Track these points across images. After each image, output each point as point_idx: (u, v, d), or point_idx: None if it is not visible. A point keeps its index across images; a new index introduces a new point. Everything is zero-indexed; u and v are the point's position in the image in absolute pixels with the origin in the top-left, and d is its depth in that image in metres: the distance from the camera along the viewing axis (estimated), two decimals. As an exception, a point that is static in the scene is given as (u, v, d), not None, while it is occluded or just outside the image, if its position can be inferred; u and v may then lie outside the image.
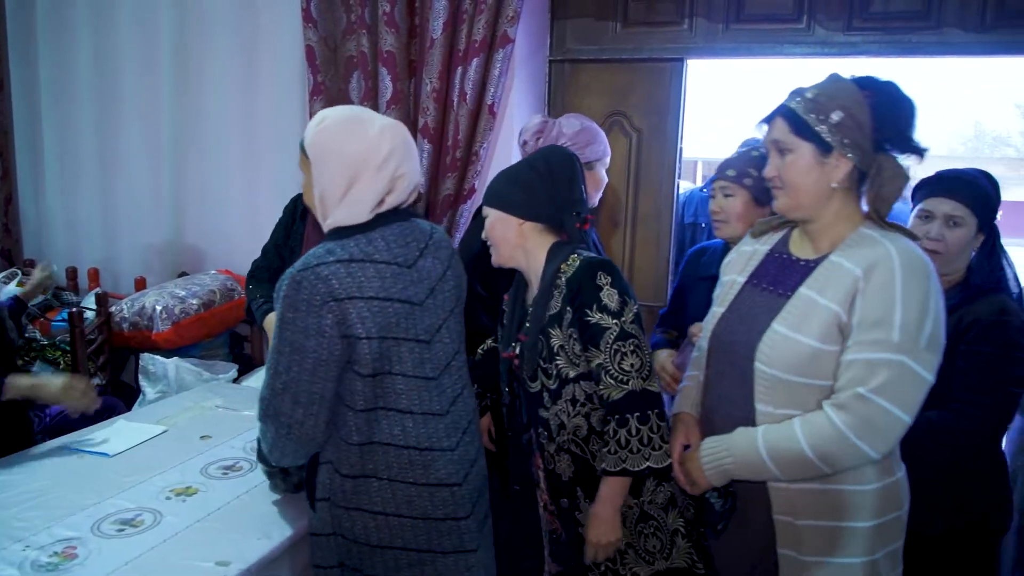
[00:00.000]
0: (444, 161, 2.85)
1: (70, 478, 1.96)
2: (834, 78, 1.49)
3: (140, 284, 3.51)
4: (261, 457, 1.73)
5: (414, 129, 2.88)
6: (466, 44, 2.75)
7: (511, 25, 2.70)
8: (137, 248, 3.72)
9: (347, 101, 3.01)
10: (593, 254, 1.75)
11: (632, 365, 1.62)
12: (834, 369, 1.44)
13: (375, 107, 2.90)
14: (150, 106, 3.57)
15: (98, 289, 3.40)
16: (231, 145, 3.46)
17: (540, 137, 2.32)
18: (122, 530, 1.71)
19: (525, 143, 2.38)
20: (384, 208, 1.52)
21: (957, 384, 1.85)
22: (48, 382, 2.16)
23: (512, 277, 2.29)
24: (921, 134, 1.47)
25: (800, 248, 1.58)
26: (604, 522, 1.67)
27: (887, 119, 1.44)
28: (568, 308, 1.68)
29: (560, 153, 1.84)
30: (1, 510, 1.77)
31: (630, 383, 1.61)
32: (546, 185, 1.75)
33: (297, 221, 2.40)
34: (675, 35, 3.02)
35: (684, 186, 3.63)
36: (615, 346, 1.62)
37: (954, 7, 2.68)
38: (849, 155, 1.44)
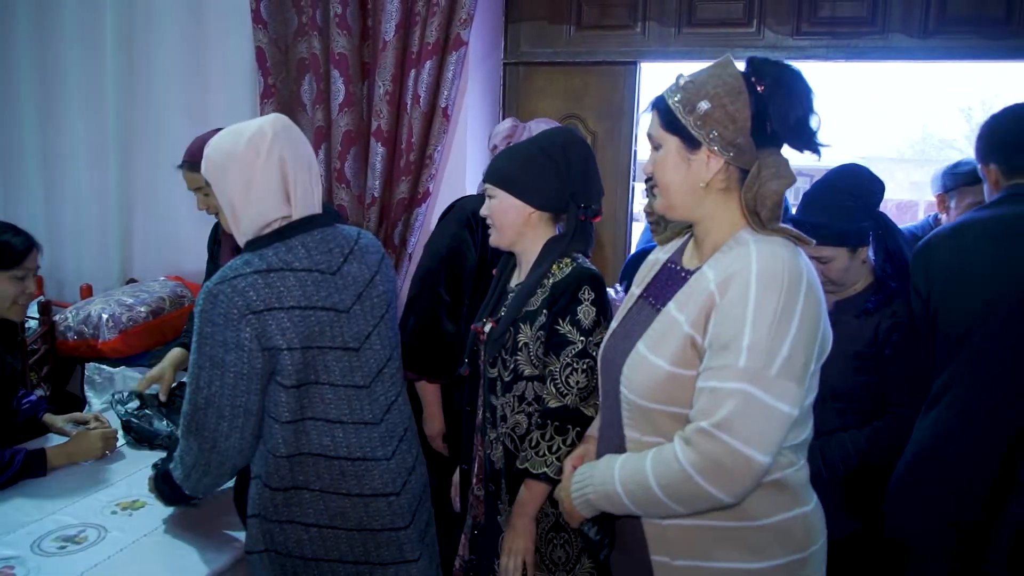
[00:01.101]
0: (398, 165, 2.82)
1: (10, 493, 1.88)
2: (720, 63, 1.31)
3: (86, 292, 3.40)
4: (169, 490, 1.70)
5: (367, 132, 2.85)
6: (419, 46, 2.73)
7: (464, 28, 2.68)
8: (82, 255, 3.60)
9: (299, 104, 2.96)
10: (587, 263, 1.74)
11: (577, 383, 1.62)
12: (692, 396, 1.25)
13: (327, 110, 2.87)
14: (96, 107, 3.46)
15: (41, 297, 3.28)
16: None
17: (510, 141, 2.29)
18: (64, 547, 1.66)
19: (495, 147, 2.35)
20: (298, 210, 1.49)
21: (891, 389, 1.88)
22: (84, 445, 2.08)
23: (479, 279, 2.26)
24: (824, 128, 1.29)
25: (690, 257, 1.42)
26: (513, 528, 1.66)
27: (772, 111, 1.26)
28: (545, 311, 1.67)
29: (576, 141, 1.77)
30: (-66, 529, 1.70)
31: (567, 398, 1.62)
32: (560, 173, 1.70)
33: (216, 246, 2.41)
34: (628, 38, 3.04)
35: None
36: (571, 361, 1.62)
37: (898, 14, 2.75)
38: (717, 150, 1.27)
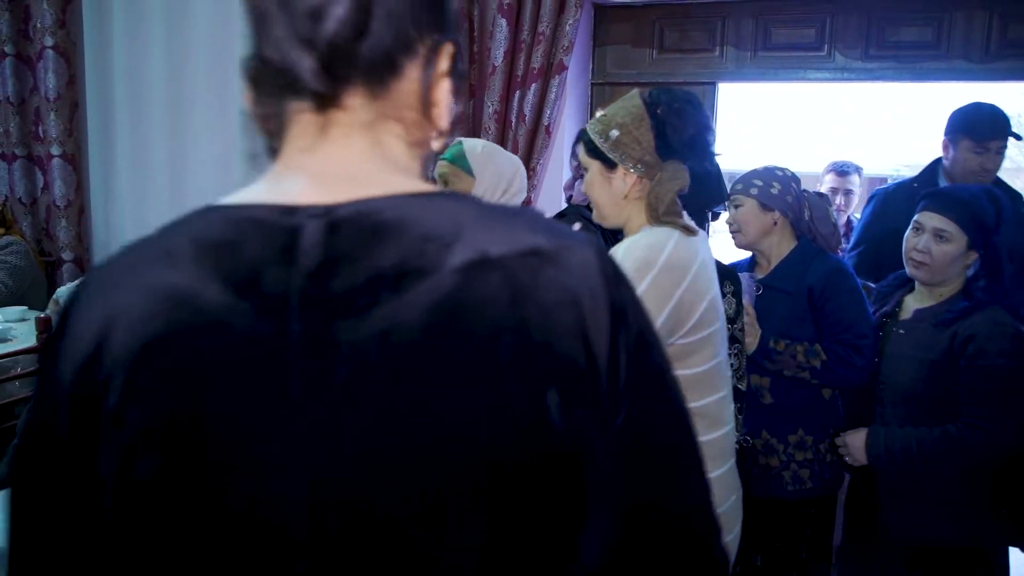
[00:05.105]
0: (503, 176, 3.14)
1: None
2: (627, 96, 1.58)
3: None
4: None
5: (474, 147, 3.18)
6: (524, 70, 3.05)
7: (567, 54, 3.00)
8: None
9: (410, 121, 3.29)
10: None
11: (731, 365, 1.77)
12: None
13: (438, 127, 3.19)
14: (223, 116, 3.69)
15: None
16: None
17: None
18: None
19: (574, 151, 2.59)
20: None
21: (964, 400, 1.88)
22: None
23: None
24: (713, 141, 1.60)
25: None
26: None
27: (668, 132, 1.52)
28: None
29: None
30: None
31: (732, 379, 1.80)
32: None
33: None
34: (707, 61, 3.32)
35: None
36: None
37: (961, 38, 2.99)
38: (631, 168, 1.53)
